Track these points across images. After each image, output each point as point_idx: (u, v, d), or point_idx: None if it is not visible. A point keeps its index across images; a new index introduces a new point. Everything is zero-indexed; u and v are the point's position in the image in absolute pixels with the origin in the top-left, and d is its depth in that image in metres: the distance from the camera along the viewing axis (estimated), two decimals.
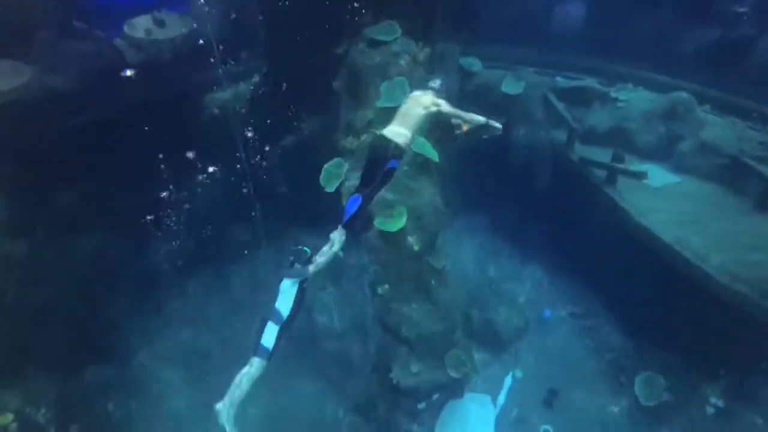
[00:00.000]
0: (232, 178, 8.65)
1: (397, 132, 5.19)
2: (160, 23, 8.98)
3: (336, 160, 7.57)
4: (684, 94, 8.90)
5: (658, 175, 8.55)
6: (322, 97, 8.88)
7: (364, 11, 8.20)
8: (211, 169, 8.87)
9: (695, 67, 9.37)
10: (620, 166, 8.08)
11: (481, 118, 5.47)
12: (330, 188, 7.28)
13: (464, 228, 10.34)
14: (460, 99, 8.40)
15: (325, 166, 7.54)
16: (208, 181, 8.96)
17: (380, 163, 5.10)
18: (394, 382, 6.70)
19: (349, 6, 8.07)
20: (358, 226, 5.34)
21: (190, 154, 8.42)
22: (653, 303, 7.84)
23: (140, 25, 8.92)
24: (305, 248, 5.08)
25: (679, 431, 7.26)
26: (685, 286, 6.86)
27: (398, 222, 6.68)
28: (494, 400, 7.87)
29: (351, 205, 5.06)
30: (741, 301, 6.33)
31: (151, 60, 8.91)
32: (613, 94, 9.42)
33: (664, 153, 8.97)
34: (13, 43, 7.74)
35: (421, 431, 7.20)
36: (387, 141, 5.11)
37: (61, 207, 8.12)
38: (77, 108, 8.11)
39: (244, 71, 9.49)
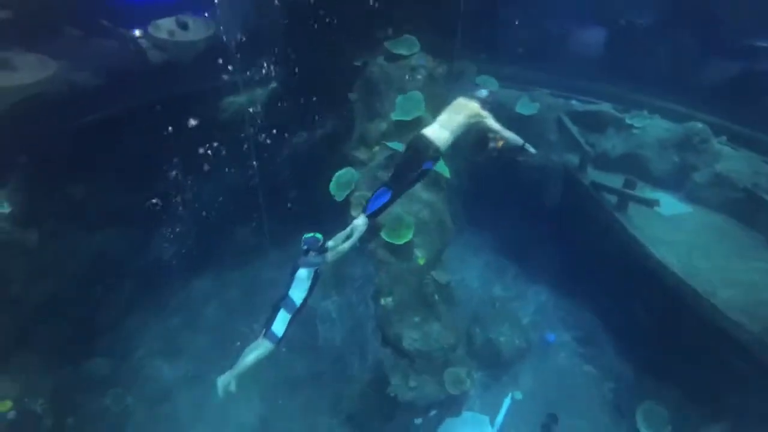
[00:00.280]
0: (243, 180, 8.75)
1: (439, 134, 5.17)
2: (184, 26, 9.18)
3: (347, 169, 7.60)
4: (699, 125, 8.84)
5: (670, 204, 8.47)
6: (338, 107, 8.98)
7: (384, 25, 8.33)
8: (223, 170, 9.00)
9: (713, 98, 9.31)
10: (632, 192, 8.00)
11: (519, 139, 5.52)
12: (339, 197, 7.29)
13: (470, 245, 10.33)
14: None
15: (336, 174, 7.57)
16: (218, 181, 9.09)
17: (417, 162, 5.08)
18: (392, 395, 6.63)
19: (370, 19, 8.19)
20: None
21: (202, 154, 8.54)
22: (658, 332, 7.73)
23: (164, 27, 9.12)
24: (317, 235, 5.02)
25: None
26: (691, 318, 6.73)
27: (405, 235, 6.69)
28: (492, 420, 7.77)
29: (379, 197, 5.03)
30: (747, 339, 6.18)
31: (172, 61, 9.09)
32: (628, 121, 9.37)
33: (677, 182, 8.90)
34: (42, 37, 7.91)
35: None
36: (428, 141, 5.09)
37: (73, 201, 8.21)
38: (97, 104, 8.25)
39: (260, 79, 9.60)
